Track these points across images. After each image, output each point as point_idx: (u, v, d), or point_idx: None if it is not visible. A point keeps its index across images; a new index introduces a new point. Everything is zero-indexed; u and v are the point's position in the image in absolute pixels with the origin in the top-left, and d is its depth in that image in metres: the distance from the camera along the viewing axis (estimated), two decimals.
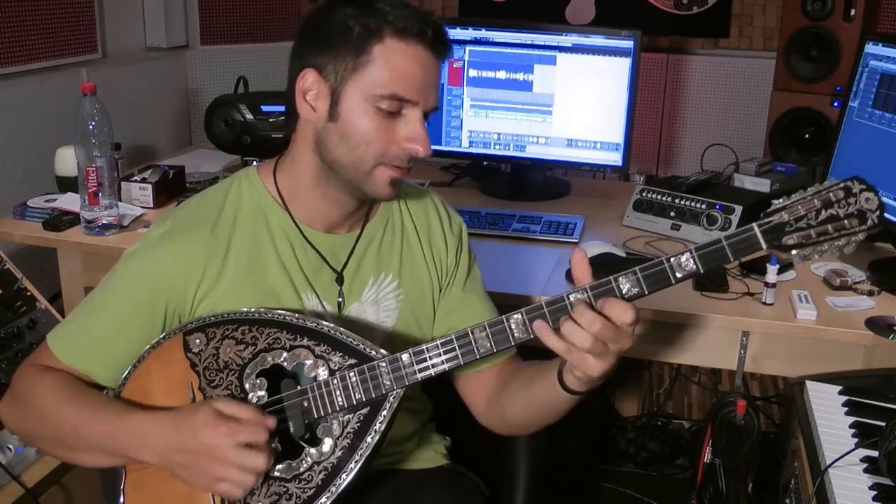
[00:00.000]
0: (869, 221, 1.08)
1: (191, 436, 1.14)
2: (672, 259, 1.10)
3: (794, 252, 1.09)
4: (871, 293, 1.79)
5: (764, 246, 1.09)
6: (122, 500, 1.23)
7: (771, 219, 1.09)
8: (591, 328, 1.08)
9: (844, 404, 1.47)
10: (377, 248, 1.37)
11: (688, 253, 1.10)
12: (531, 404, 1.30)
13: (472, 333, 1.15)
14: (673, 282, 1.11)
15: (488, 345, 1.14)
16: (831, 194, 1.08)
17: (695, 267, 1.10)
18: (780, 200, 1.10)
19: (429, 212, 1.43)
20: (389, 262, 1.38)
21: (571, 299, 1.11)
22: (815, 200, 1.09)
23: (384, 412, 1.17)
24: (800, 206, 1.09)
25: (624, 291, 1.10)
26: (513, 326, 1.14)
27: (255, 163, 2.47)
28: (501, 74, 2.42)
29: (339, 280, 1.33)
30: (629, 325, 1.09)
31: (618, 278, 1.11)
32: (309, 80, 1.23)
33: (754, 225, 1.09)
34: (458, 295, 1.43)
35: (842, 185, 1.09)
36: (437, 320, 1.42)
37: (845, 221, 1.08)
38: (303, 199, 1.30)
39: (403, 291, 1.38)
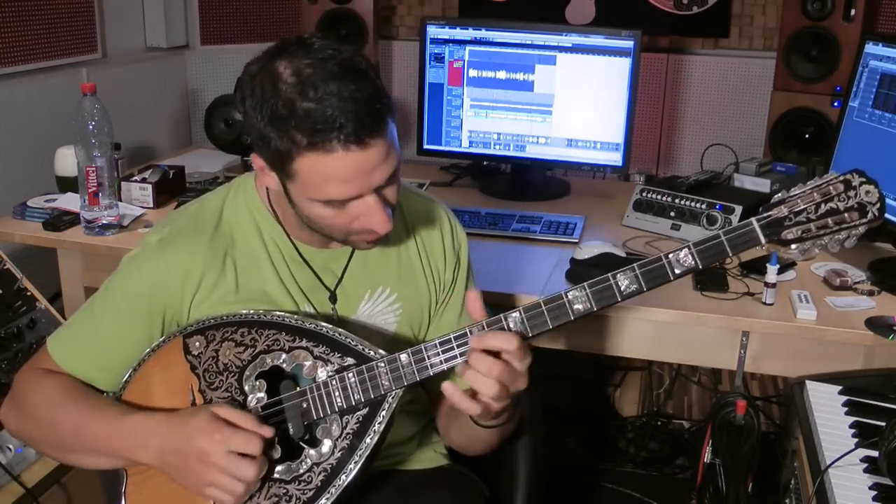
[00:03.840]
0: (869, 214, 1.08)
1: (185, 439, 1.14)
2: (671, 255, 1.10)
3: (794, 246, 1.09)
4: (871, 293, 1.79)
5: (763, 240, 1.08)
6: (123, 502, 1.24)
7: (770, 213, 1.09)
8: (490, 373, 1.10)
9: (844, 404, 1.47)
10: (374, 261, 1.36)
11: (686, 248, 1.10)
12: (460, 432, 1.35)
13: (471, 333, 1.15)
14: (671, 278, 1.10)
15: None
16: (831, 188, 1.08)
17: (693, 263, 1.10)
18: (780, 195, 1.09)
19: (431, 223, 1.41)
20: (387, 275, 1.37)
21: (569, 296, 1.12)
22: (815, 194, 1.08)
23: (383, 412, 1.17)
24: (799, 200, 1.08)
25: (623, 288, 1.11)
26: (511, 325, 1.14)
27: None
28: (501, 74, 2.41)
29: (332, 298, 1.33)
30: (518, 352, 1.11)
31: (616, 275, 1.11)
32: (259, 162, 1.18)
33: (753, 220, 1.09)
34: (454, 313, 1.42)
35: (841, 178, 1.08)
36: (430, 333, 1.42)
37: (845, 215, 1.08)
38: (292, 221, 1.28)
39: (402, 305, 1.37)
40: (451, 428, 1.39)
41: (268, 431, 1.15)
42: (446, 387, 1.13)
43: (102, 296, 1.28)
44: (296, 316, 1.23)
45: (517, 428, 1.37)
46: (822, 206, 1.08)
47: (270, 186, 1.22)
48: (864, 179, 1.08)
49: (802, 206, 1.08)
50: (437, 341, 1.16)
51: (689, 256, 1.10)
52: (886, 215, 1.81)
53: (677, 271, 1.10)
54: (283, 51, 1.12)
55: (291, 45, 1.13)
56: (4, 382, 1.64)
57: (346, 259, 1.34)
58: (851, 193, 1.08)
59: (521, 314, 1.13)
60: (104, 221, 2.05)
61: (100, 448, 1.21)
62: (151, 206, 2.24)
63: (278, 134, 1.10)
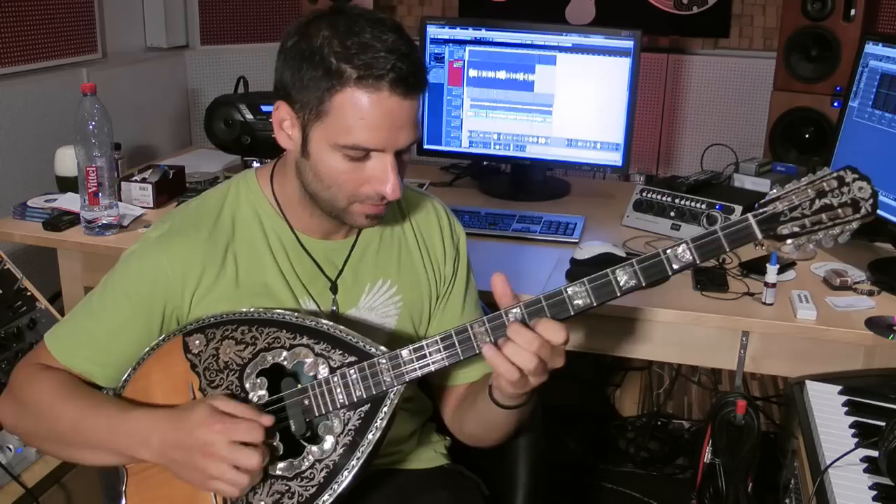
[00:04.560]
0: (862, 210, 1.09)
1: (187, 433, 1.14)
2: (669, 251, 1.12)
3: (789, 241, 1.10)
4: (871, 293, 1.79)
5: (759, 235, 1.10)
6: (123, 502, 1.23)
7: (766, 209, 1.10)
8: (530, 347, 1.10)
9: (844, 404, 1.47)
10: (374, 253, 1.36)
11: (684, 244, 1.11)
12: (477, 419, 1.34)
13: (472, 328, 1.15)
14: (670, 273, 1.12)
15: (488, 339, 1.14)
16: (825, 184, 1.10)
17: (691, 258, 1.11)
18: (775, 191, 1.11)
19: (429, 217, 1.42)
20: (387, 268, 1.37)
21: (569, 292, 1.13)
22: (809, 190, 1.10)
23: (385, 409, 1.17)
24: (794, 196, 1.10)
25: (622, 284, 1.12)
26: (511, 321, 1.13)
27: (255, 163, 2.47)
28: (501, 74, 2.42)
29: (333, 289, 1.33)
30: (562, 345, 1.12)
31: (615, 271, 1.12)
32: (283, 112, 1.21)
33: (749, 215, 1.11)
34: (457, 307, 1.43)
35: (835, 174, 1.10)
36: (432, 328, 1.42)
37: (839, 210, 1.09)
38: (296, 209, 1.30)
39: (403, 298, 1.38)
40: (466, 417, 1.38)
41: (267, 420, 1.15)
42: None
43: (102, 291, 1.28)
44: (296, 313, 1.23)
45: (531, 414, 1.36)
46: (817, 201, 1.09)
47: (286, 145, 1.23)
48: (857, 176, 1.10)
49: (797, 202, 1.10)
50: (438, 337, 1.16)
51: (687, 252, 1.11)
52: (886, 215, 1.83)
53: (675, 266, 1.12)
54: (336, 11, 1.18)
55: (345, 7, 1.19)
56: (4, 382, 1.64)
57: (347, 251, 1.34)
58: (845, 189, 1.09)
59: (521, 310, 1.13)
60: (104, 221, 2.06)
61: (100, 444, 1.21)
62: (151, 206, 2.24)
63: (326, 67, 1.14)
